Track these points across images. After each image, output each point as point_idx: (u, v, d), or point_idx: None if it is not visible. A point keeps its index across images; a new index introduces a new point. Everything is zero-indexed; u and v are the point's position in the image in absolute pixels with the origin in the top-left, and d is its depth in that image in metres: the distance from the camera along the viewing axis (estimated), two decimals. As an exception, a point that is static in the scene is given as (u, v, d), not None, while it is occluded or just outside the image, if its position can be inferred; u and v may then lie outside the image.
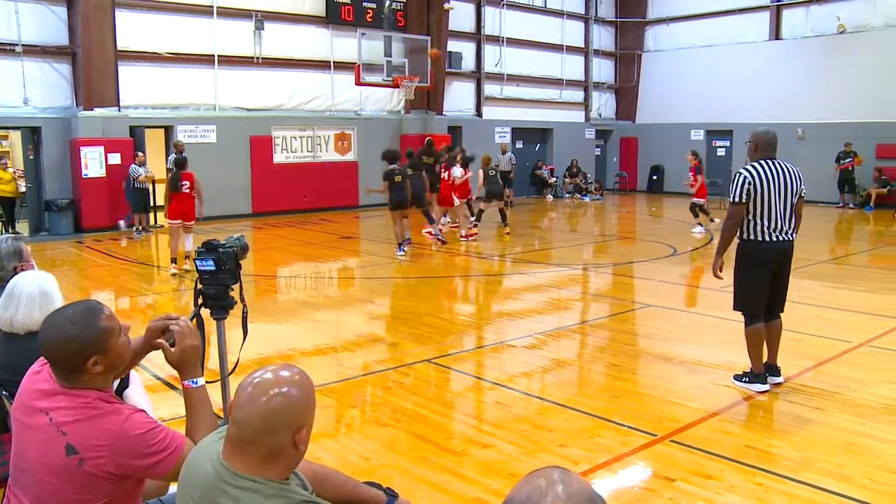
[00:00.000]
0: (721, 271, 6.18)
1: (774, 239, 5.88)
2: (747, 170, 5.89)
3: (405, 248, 13.24)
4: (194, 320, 2.79)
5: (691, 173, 16.42)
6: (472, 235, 15.24)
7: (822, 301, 9.39)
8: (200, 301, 2.80)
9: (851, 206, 21.63)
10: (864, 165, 21.36)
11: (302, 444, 2.02)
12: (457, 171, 15.36)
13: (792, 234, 5.98)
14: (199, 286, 2.79)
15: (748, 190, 5.82)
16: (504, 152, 22.51)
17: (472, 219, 15.90)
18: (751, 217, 5.89)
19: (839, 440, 5.02)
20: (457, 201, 15.53)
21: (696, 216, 16.33)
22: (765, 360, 6.11)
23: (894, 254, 14.34)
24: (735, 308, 6.16)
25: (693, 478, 4.46)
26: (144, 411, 2.48)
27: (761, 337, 6.07)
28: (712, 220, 16.61)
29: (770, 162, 5.90)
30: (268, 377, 2.03)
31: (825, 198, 21.86)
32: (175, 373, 2.67)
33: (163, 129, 18.18)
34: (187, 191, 11.72)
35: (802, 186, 5.99)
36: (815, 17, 23.29)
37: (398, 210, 13.24)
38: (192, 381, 2.60)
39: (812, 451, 4.84)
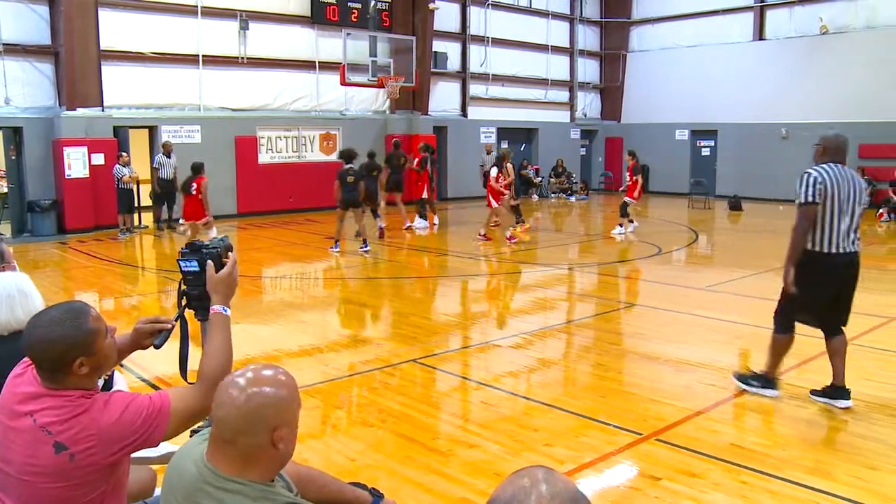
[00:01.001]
0: (793, 282, 5.58)
1: (840, 251, 5.47)
2: (816, 170, 5.47)
3: (367, 245, 13.61)
4: (177, 322, 2.78)
5: (629, 173, 16.31)
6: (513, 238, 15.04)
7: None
8: (184, 302, 2.79)
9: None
10: (848, 165, 21.47)
11: (281, 444, 2.01)
12: (494, 171, 15.24)
13: (856, 245, 5.58)
14: (183, 287, 2.77)
15: (820, 190, 5.39)
16: (489, 152, 22.54)
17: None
18: (816, 225, 5.46)
19: (822, 438, 5.07)
20: (494, 203, 15.33)
21: (625, 216, 16.08)
22: (831, 381, 5.69)
23: (876, 253, 14.45)
24: (776, 316, 5.87)
25: (678, 476, 4.48)
26: (121, 390, 2.47)
27: (787, 347, 5.83)
28: (631, 222, 16.29)
29: (837, 167, 5.53)
30: (248, 376, 2.03)
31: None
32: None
33: (147, 130, 18.08)
34: (194, 192, 12.98)
35: (867, 196, 5.71)
36: (798, 18, 23.45)
37: (349, 209, 13.59)
38: (223, 308, 2.61)
39: (796, 449, 4.87)
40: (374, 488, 2.94)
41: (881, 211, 19.09)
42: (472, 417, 5.63)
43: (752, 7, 24.48)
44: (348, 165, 13.49)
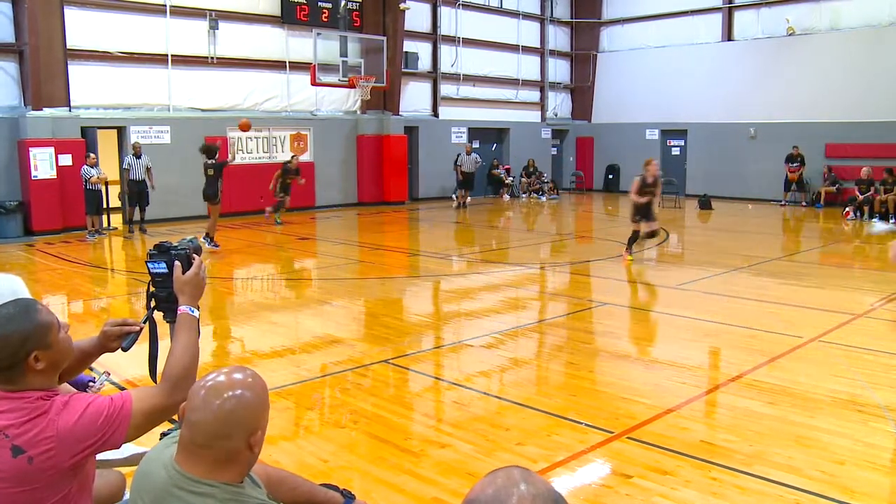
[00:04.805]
0: None
1: None
2: None
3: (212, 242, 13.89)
4: (146, 324, 2.75)
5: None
6: None
7: (775, 297, 9.57)
8: (153, 304, 2.76)
9: (803, 203, 22.10)
10: (814, 164, 21.82)
11: (257, 447, 2.02)
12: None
13: None
14: (152, 289, 2.74)
15: None
16: (469, 153, 22.64)
17: None
18: None
19: (790, 433, 5.12)
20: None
21: None
22: None
23: (843, 251, 14.66)
24: None
25: (649, 474, 4.51)
26: (80, 392, 2.43)
27: None
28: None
29: None
30: (221, 380, 2.01)
31: (776, 196, 22.34)
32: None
33: (116, 130, 17.86)
34: None
35: None
36: (765, 19, 23.72)
37: (207, 202, 14.23)
38: (191, 309, 2.59)
39: (764, 445, 4.93)
40: (345, 489, 2.93)
41: (847, 209, 19.37)
42: (445, 417, 5.63)
43: (721, 8, 24.72)
44: (210, 161, 14.10)
